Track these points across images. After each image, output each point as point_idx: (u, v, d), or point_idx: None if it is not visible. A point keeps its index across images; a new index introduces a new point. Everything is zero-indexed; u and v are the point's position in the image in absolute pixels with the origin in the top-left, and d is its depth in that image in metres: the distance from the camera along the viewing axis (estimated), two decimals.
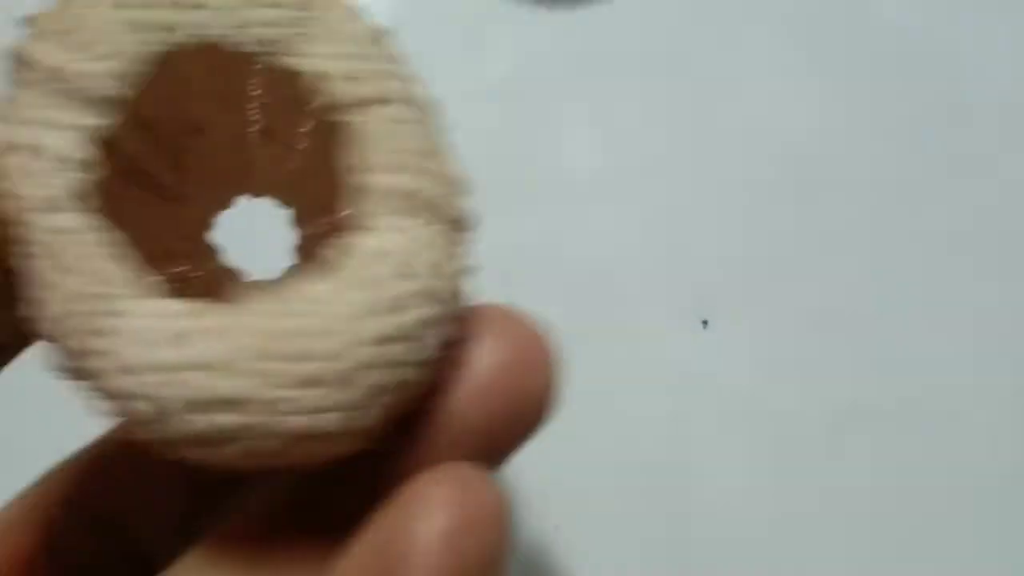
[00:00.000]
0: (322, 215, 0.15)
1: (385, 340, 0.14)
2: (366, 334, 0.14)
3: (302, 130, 0.15)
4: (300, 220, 0.15)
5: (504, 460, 0.16)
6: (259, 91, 0.15)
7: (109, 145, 0.14)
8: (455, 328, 0.15)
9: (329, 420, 0.13)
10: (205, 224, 0.15)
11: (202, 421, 0.13)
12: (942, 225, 0.36)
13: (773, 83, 0.38)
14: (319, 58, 0.16)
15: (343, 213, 0.15)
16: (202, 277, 0.14)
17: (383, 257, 0.14)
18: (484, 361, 0.15)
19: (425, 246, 0.15)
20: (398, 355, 0.14)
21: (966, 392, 0.34)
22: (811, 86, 0.38)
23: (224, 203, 0.15)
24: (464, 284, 0.16)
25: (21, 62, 0.15)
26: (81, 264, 0.13)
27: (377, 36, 0.16)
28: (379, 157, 0.15)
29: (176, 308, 0.13)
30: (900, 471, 0.33)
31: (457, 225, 0.16)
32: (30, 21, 0.15)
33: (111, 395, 0.13)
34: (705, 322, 0.34)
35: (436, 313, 0.14)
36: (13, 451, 0.27)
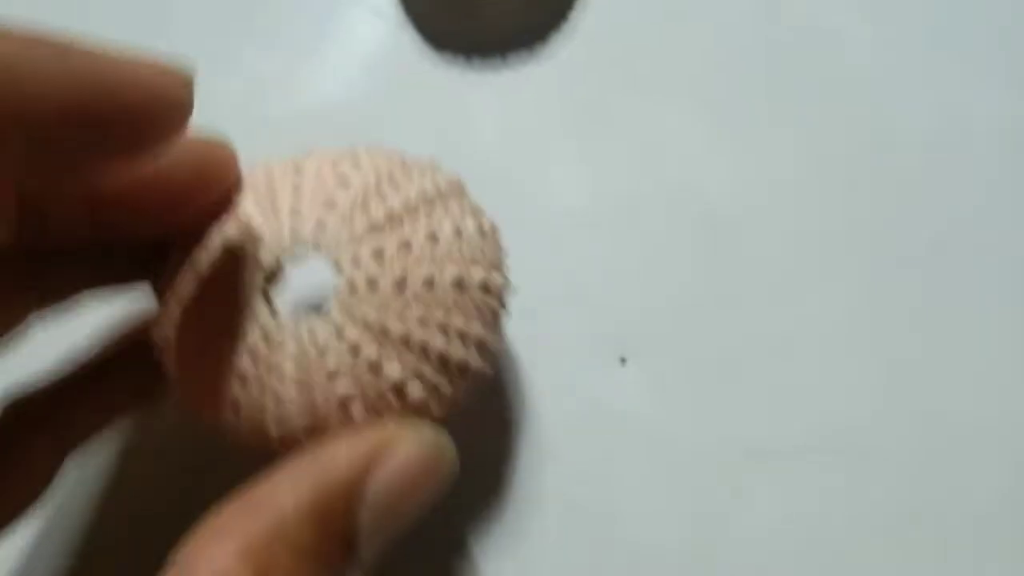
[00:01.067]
0: None
1: None
2: None
3: None
4: None
5: None
6: None
7: None
8: None
9: None
10: None
11: None
12: (854, 271, 0.38)
13: (693, 141, 0.40)
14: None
15: None
16: None
17: None
18: None
19: None
20: None
21: (875, 431, 0.36)
22: (728, 144, 0.40)
23: None
24: None
25: None
26: None
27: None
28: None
29: None
30: (806, 509, 0.35)
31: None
32: None
33: None
34: (624, 359, 0.36)
35: None
36: None
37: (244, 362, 0.19)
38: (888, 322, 0.37)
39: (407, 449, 0.19)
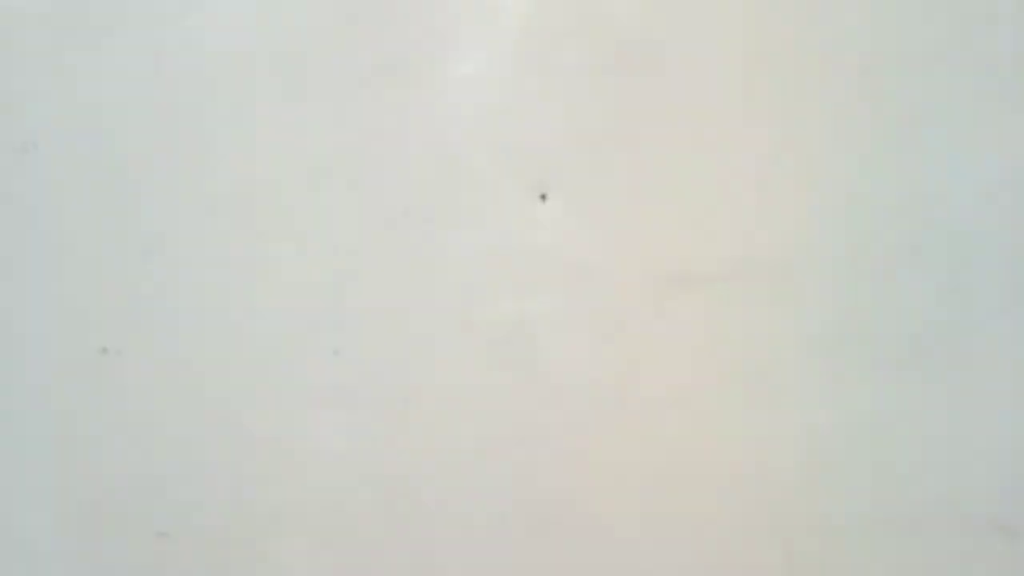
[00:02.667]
0: None
1: None
2: None
3: None
4: None
5: None
6: None
7: None
8: None
9: None
10: None
11: None
12: (777, 96, 0.38)
13: None
14: None
15: None
16: None
17: None
18: None
19: None
20: None
21: (796, 254, 0.37)
22: None
23: None
24: None
25: None
26: None
27: None
28: None
29: None
30: (729, 332, 0.36)
31: None
32: None
33: None
34: (543, 195, 0.36)
35: None
36: None
37: None
38: (810, 145, 0.37)
39: None
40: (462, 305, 0.37)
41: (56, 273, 0.42)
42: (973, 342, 0.36)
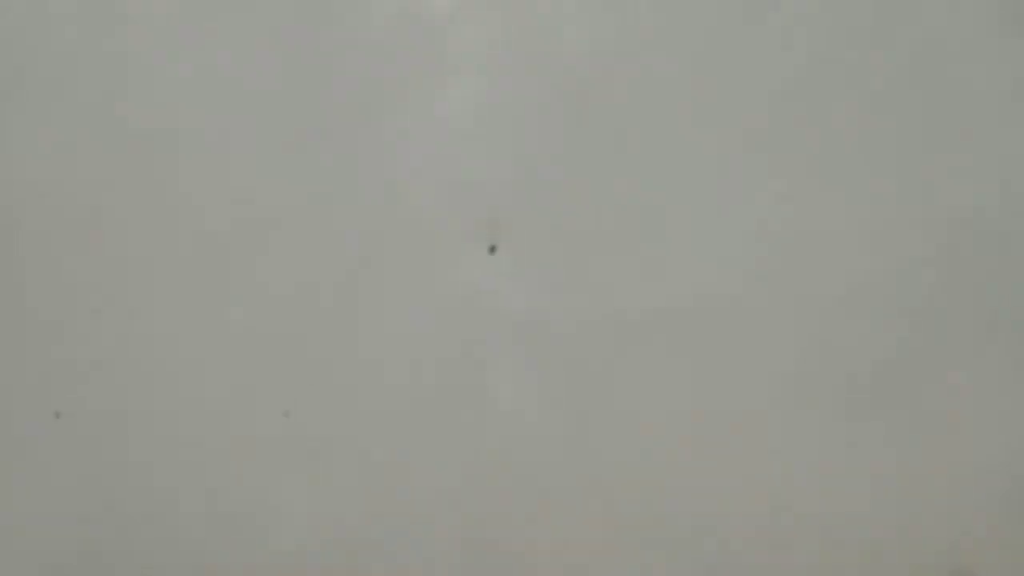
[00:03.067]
0: None
1: None
2: None
3: None
4: None
5: None
6: None
7: None
8: None
9: None
10: None
11: None
12: (725, 141, 0.39)
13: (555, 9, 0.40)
14: None
15: None
16: None
17: None
18: None
19: None
20: None
21: (747, 297, 0.37)
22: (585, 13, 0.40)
23: None
24: None
25: None
26: None
27: None
28: None
29: None
30: (683, 376, 0.36)
31: None
32: None
33: None
34: (493, 247, 0.36)
35: None
36: None
37: None
38: (758, 190, 0.38)
39: None
40: (412, 358, 0.36)
41: (8, 339, 0.41)
42: (927, 385, 0.36)
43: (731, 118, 0.39)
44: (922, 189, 0.37)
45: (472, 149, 0.38)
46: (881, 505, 0.36)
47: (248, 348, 0.38)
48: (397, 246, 0.37)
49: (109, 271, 0.39)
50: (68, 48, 0.38)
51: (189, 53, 0.37)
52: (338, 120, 0.37)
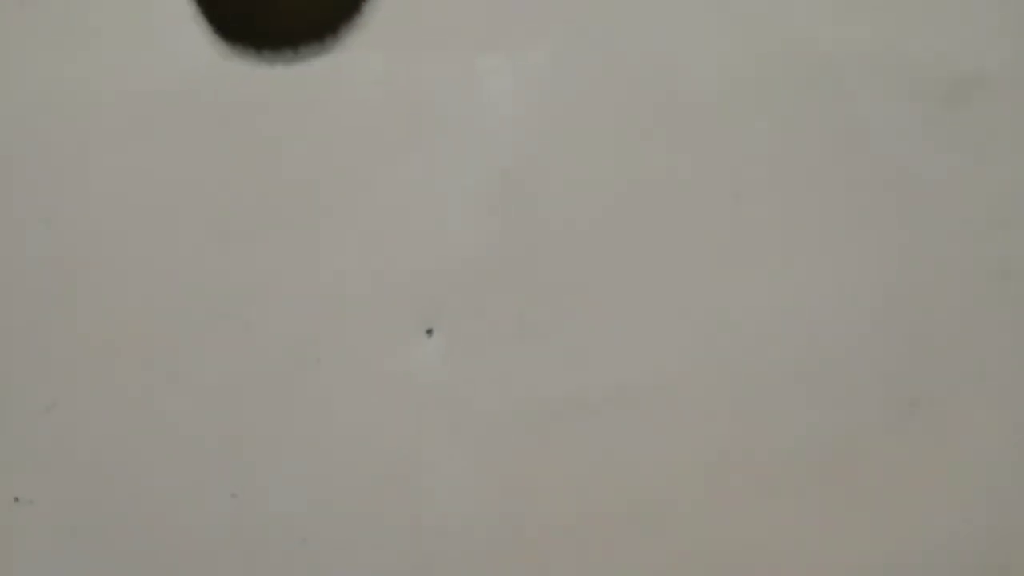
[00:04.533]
0: None
1: None
2: None
3: None
4: None
5: None
6: None
7: None
8: None
9: None
10: None
11: None
12: (654, 224, 0.39)
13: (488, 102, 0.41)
14: None
15: None
16: None
17: None
18: None
19: None
20: None
21: (678, 382, 0.37)
22: (520, 103, 0.41)
23: None
24: None
25: None
26: None
27: None
28: None
29: None
30: (616, 460, 0.36)
31: None
32: None
33: None
34: (430, 331, 0.37)
35: None
36: None
37: None
38: (685, 271, 0.38)
39: None
40: (352, 443, 0.37)
41: None
42: (858, 463, 0.36)
43: (656, 207, 0.40)
44: (846, 271, 0.38)
45: (408, 238, 0.40)
46: None
47: (194, 434, 0.39)
48: (331, 331, 0.38)
49: (59, 363, 0.41)
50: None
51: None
52: (271, 210, 0.38)
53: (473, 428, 0.37)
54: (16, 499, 0.43)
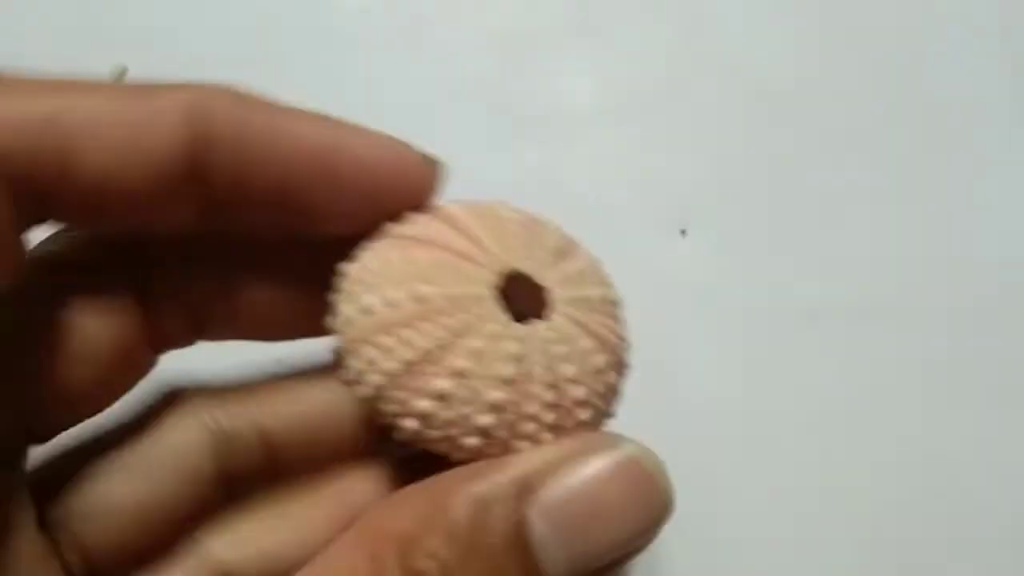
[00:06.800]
0: None
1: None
2: None
3: None
4: None
5: None
6: None
7: None
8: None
9: None
10: None
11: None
12: (904, 141, 0.38)
13: (749, 19, 0.40)
14: None
15: None
16: None
17: None
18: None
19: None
20: None
21: (924, 293, 0.37)
22: (785, 23, 0.39)
23: None
24: None
25: None
26: None
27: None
28: None
29: None
30: (857, 366, 0.37)
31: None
32: None
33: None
34: (684, 231, 0.37)
35: None
36: None
37: (459, 363, 0.17)
38: (930, 188, 0.38)
39: (601, 462, 0.16)
40: None
41: None
42: None
43: (908, 123, 0.38)
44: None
45: (664, 149, 0.38)
46: None
47: None
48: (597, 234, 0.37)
49: None
50: None
51: None
52: None
53: (721, 323, 0.37)
54: None
